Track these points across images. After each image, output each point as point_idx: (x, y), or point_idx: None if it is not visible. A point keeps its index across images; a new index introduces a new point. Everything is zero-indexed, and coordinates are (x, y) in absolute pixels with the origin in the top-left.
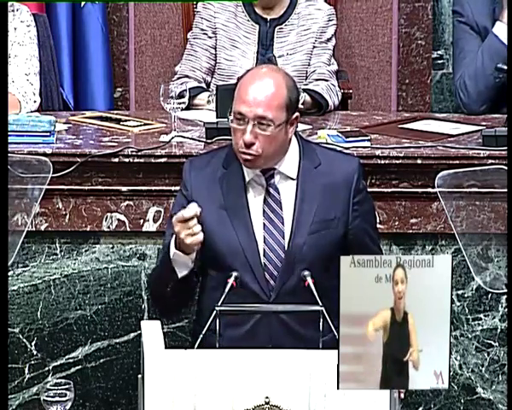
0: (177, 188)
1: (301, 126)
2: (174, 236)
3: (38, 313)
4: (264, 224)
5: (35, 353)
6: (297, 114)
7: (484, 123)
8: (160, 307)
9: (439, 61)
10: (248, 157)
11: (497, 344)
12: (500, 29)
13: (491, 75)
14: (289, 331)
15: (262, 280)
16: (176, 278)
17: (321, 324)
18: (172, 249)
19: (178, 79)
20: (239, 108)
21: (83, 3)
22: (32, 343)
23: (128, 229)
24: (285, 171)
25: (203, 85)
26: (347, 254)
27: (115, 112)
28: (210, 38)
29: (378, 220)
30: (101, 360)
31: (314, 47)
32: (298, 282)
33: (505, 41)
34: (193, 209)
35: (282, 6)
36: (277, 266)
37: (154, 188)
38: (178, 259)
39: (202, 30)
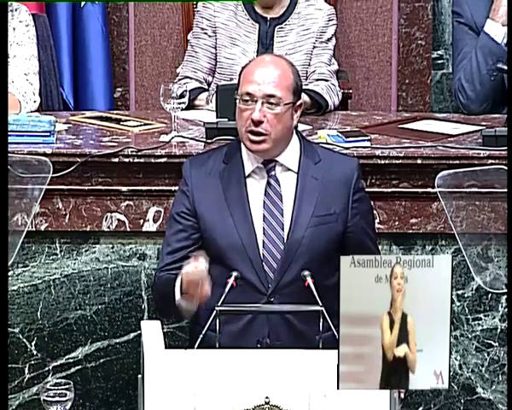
0: (178, 187)
1: (301, 126)
2: (179, 282)
3: (38, 313)
4: (264, 215)
5: (35, 353)
6: (301, 101)
7: (484, 123)
8: (161, 312)
9: (439, 61)
10: (256, 138)
11: (497, 344)
12: (491, 27)
13: (487, 74)
14: (287, 324)
15: (261, 272)
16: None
17: (321, 323)
18: (178, 295)
19: (180, 80)
20: (246, 89)
21: (83, 3)
22: (32, 343)
23: (128, 229)
24: (286, 163)
25: (204, 86)
26: (346, 253)
27: (115, 112)
28: (210, 37)
29: (378, 220)
30: (101, 360)
31: (314, 47)
32: (296, 275)
33: (497, 39)
34: (203, 264)
35: (282, 5)
36: (276, 258)
37: (154, 188)
38: (184, 305)
39: (202, 29)
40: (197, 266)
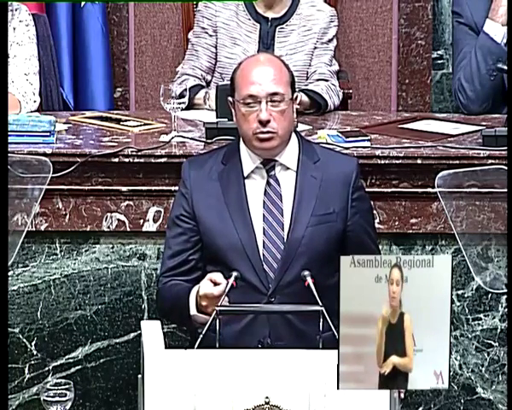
0: (178, 188)
1: (301, 126)
2: (194, 296)
3: (38, 313)
4: (263, 215)
5: (35, 353)
6: (296, 93)
7: (484, 123)
8: (171, 319)
9: (439, 61)
10: (266, 136)
11: (497, 344)
12: (490, 27)
13: (487, 74)
14: (288, 324)
15: (261, 272)
16: (191, 322)
17: (321, 323)
18: (193, 311)
19: (179, 78)
20: (248, 91)
21: (83, 3)
22: (32, 343)
23: (128, 229)
24: (285, 162)
25: (202, 83)
26: (346, 252)
27: (115, 112)
28: (211, 36)
29: (378, 220)
30: (101, 360)
31: (315, 48)
32: (297, 275)
33: (496, 39)
34: (222, 286)
35: (283, 6)
36: (276, 258)
37: (154, 188)
38: (199, 318)
39: (203, 29)
40: (215, 286)
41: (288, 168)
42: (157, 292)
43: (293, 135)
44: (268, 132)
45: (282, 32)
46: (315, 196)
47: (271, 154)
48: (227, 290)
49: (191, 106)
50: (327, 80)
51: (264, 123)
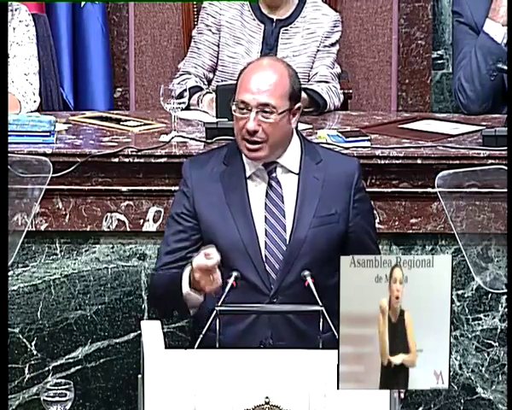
0: (178, 187)
1: (301, 126)
2: (188, 274)
3: (38, 313)
4: (265, 217)
5: (35, 353)
6: (299, 104)
7: (484, 123)
8: (159, 310)
9: (439, 61)
10: (252, 146)
11: (497, 344)
12: (490, 27)
13: (487, 74)
14: (289, 325)
15: (263, 273)
16: (183, 303)
17: (321, 323)
18: (186, 288)
19: (180, 75)
20: (242, 97)
21: (83, 3)
22: (32, 343)
23: (128, 229)
24: (287, 164)
25: (203, 82)
26: (346, 252)
27: (115, 112)
28: (214, 34)
29: (378, 220)
30: (101, 360)
31: (318, 51)
32: (298, 275)
33: (496, 39)
34: (215, 257)
35: (288, 7)
36: (279, 259)
37: (154, 188)
38: (191, 297)
39: (207, 26)
40: (209, 257)
41: (289, 170)
42: (149, 283)
43: (295, 136)
44: (255, 143)
45: (286, 34)
46: (317, 197)
47: (263, 161)
48: (227, 290)
49: (187, 106)
50: (328, 82)
51: (250, 132)
